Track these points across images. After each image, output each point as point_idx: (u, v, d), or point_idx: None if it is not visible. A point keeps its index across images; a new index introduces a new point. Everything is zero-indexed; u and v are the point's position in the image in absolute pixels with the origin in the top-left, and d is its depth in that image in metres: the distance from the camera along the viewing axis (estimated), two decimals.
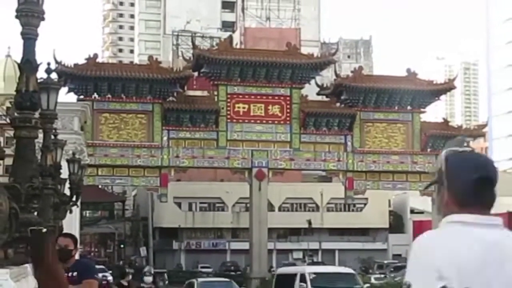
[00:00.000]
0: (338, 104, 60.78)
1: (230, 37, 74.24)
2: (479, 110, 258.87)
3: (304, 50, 66.40)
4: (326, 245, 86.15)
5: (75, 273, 7.97)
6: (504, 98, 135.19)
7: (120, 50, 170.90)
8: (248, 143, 58.77)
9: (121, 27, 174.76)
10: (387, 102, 60.61)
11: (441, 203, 3.86)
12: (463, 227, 3.52)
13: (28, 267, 5.83)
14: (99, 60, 61.31)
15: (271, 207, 68.79)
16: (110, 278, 44.65)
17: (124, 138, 56.50)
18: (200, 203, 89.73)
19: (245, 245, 66.14)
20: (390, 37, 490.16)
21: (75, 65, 55.21)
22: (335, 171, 62.27)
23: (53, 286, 7.87)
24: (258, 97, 59.46)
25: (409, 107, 61.34)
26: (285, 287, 30.98)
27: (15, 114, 11.13)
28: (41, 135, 15.13)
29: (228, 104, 58.83)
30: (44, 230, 10.44)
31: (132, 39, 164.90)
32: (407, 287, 3.40)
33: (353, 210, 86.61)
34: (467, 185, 3.60)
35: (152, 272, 28.18)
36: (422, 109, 62.33)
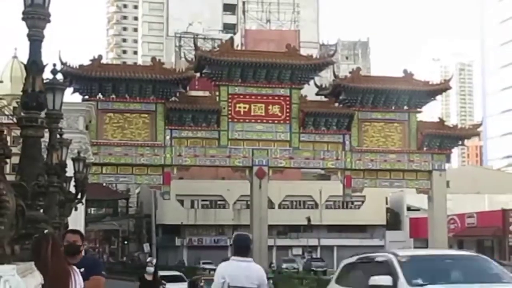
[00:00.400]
0: (336, 104, 60.78)
1: (231, 39, 74.29)
2: (474, 109, 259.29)
3: (303, 52, 66.40)
4: (324, 242, 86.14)
5: (82, 269, 7.92)
6: (499, 98, 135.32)
7: (124, 52, 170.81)
8: (248, 142, 58.80)
9: (125, 29, 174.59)
10: (384, 102, 60.63)
11: None
12: (233, 261, 10.60)
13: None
14: (104, 61, 61.33)
15: (271, 205, 68.77)
16: None
17: (128, 137, 56.53)
18: (202, 200, 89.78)
19: None
20: (387, 38, 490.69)
21: (80, 66, 55.25)
22: (334, 170, 62.30)
23: (51, 280, 7.89)
24: (259, 97, 59.48)
25: (405, 107, 61.35)
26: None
27: (22, 114, 11.12)
28: (47, 135, 15.13)
29: (229, 104, 58.85)
30: (46, 231, 10.44)
31: (135, 41, 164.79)
32: None
33: (351, 208, 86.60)
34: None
35: (154, 262, 27.98)
36: (418, 109, 62.35)
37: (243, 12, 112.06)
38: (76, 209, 27.11)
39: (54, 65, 17.10)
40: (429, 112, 79.52)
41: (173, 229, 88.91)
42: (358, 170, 60.43)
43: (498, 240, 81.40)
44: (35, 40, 10.22)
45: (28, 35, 10.19)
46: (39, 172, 11.09)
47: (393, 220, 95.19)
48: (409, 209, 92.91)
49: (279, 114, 59.61)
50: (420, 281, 11.69)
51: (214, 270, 42.99)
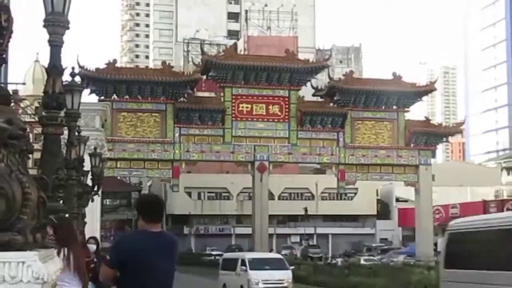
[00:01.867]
0: (331, 104, 60.74)
1: (235, 45, 74.28)
2: (457, 109, 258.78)
3: (301, 56, 66.31)
4: (320, 230, 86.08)
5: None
6: (480, 99, 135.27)
7: (137, 56, 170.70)
8: (251, 139, 58.77)
9: (137, 35, 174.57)
10: (375, 102, 60.57)
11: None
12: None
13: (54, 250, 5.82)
14: (118, 65, 61.27)
15: (271, 196, 68.65)
16: None
17: (140, 134, 56.50)
18: (208, 192, 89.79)
19: (248, 230, 66.14)
20: (378, 44, 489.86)
21: (97, 69, 55.21)
22: (329, 164, 62.30)
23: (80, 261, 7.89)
24: (260, 97, 59.43)
25: (394, 107, 61.29)
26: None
27: (43, 113, 11.12)
28: (66, 132, 15.13)
29: (233, 104, 58.82)
30: (67, 215, 10.45)
31: (147, 46, 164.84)
32: None
33: (344, 199, 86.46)
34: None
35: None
36: (406, 109, 62.31)
37: (246, 20, 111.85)
38: (92, 200, 27.16)
39: (73, 68, 17.08)
40: (416, 112, 79.53)
41: (181, 218, 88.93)
42: (351, 165, 60.38)
43: None
44: (55, 46, 10.22)
45: (49, 41, 10.19)
46: (59, 166, 11.10)
47: (383, 210, 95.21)
48: (397, 200, 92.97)
49: (279, 113, 59.57)
50: None
51: (220, 255, 43.60)
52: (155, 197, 7.78)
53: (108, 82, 55.66)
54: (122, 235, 7.97)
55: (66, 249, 7.61)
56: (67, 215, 9.49)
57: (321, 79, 68.58)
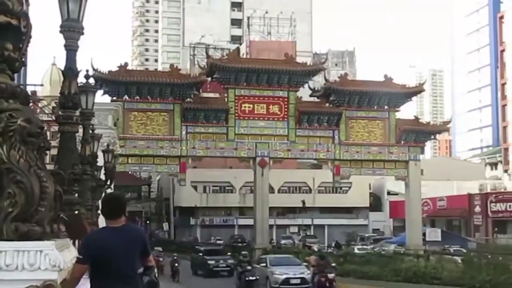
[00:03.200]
0: (327, 104, 60.64)
1: (238, 49, 74.17)
2: (444, 109, 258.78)
3: (299, 60, 66.14)
4: (317, 221, 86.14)
5: None
6: (465, 99, 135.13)
7: (147, 60, 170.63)
8: (252, 136, 58.70)
9: (147, 40, 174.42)
10: (368, 103, 60.48)
11: None
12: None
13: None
14: (129, 68, 61.11)
15: (271, 190, 68.59)
16: None
17: (149, 132, 56.44)
18: (213, 186, 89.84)
19: (250, 221, 66.11)
20: (370, 48, 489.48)
21: (109, 72, 55.13)
22: (325, 160, 62.23)
23: None
24: (261, 98, 59.34)
25: (386, 107, 61.20)
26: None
27: (60, 112, 11.14)
28: (81, 130, 15.13)
29: (236, 104, 58.74)
30: (76, 212, 10.46)
31: (156, 50, 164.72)
32: None
33: (339, 192, 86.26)
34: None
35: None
36: (397, 108, 62.16)
37: (248, 26, 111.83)
38: (105, 193, 27.12)
39: (87, 71, 17.10)
40: (406, 111, 79.47)
41: (188, 210, 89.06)
42: (345, 160, 60.30)
43: (465, 220, 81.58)
44: (71, 50, 10.24)
45: (65, 46, 10.21)
46: (74, 162, 11.10)
47: (376, 203, 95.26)
48: (389, 193, 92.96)
49: (278, 113, 59.50)
50: None
51: (223, 244, 44.30)
52: (112, 196, 7.86)
53: (120, 83, 55.62)
54: (89, 233, 7.87)
55: (77, 241, 7.64)
56: (76, 212, 9.49)
57: (317, 81, 68.55)
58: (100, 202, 7.64)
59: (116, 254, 6.88)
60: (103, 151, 27.57)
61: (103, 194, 23.16)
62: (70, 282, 6.35)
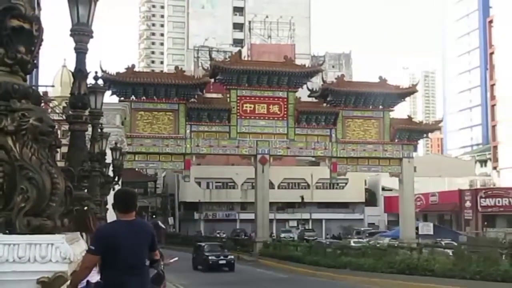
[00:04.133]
0: (324, 104, 60.66)
1: (240, 51, 73.97)
2: (436, 109, 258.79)
3: (298, 62, 66.19)
4: (315, 216, 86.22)
5: None
6: (456, 99, 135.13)
7: (153, 62, 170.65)
8: (253, 135, 58.73)
9: (153, 43, 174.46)
10: (363, 103, 60.49)
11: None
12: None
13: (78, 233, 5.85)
14: (136, 69, 61.09)
15: (271, 186, 68.65)
16: None
17: (155, 131, 56.47)
18: (216, 182, 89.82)
19: (251, 216, 66.11)
20: (366, 51, 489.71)
21: (117, 73, 55.16)
22: (322, 157, 62.22)
23: None
24: (262, 98, 59.35)
25: (380, 107, 61.20)
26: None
27: (70, 112, 11.15)
28: (90, 129, 15.14)
29: (238, 104, 58.77)
30: (85, 207, 10.46)
31: (162, 53, 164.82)
32: None
33: (336, 188, 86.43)
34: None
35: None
36: (391, 108, 62.17)
37: (249, 29, 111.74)
38: (113, 189, 27.10)
39: (96, 72, 17.13)
40: (400, 111, 79.21)
41: (192, 205, 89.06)
42: (342, 158, 60.32)
43: (456, 214, 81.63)
44: (81, 53, 10.25)
45: (75, 48, 10.22)
46: (84, 159, 11.11)
47: (371, 198, 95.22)
48: (383, 189, 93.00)
49: (278, 112, 59.51)
50: None
51: (227, 238, 44.73)
52: (127, 191, 7.91)
53: (127, 84, 55.64)
54: (101, 226, 7.95)
55: (84, 235, 7.66)
56: (85, 208, 9.50)
57: (315, 82, 68.51)
58: (113, 197, 7.65)
59: (127, 246, 6.96)
60: (111, 149, 27.58)
61: (112, 190, 23.19)
62: (81, 272, 6.37)
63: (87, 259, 6.63)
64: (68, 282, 3.70)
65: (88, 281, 6.88)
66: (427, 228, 55.14)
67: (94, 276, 7.26)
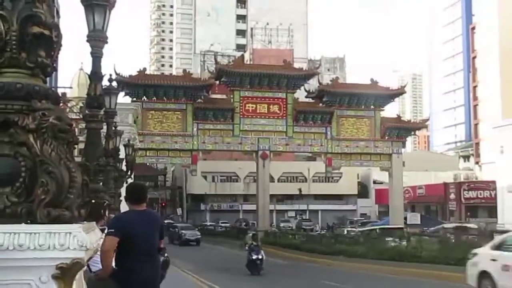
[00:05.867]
0: (320, 104, 60.64)
1: (242, 56, 74.13)
2: (423, 108, 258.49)
3: (296, 65, 66.20)
4: (312, 207, 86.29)
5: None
6: (441, 100, 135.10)
7: (162, 65, 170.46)
8: (255, 132, 58.75)
9: (163, 48, 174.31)
10: (356, 103, 60.47)
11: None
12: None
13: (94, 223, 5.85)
14: (147, 72, 61.20)
15: (272, 179, 68.64)
16: None
17: (165, 129, 56.50)
18: (220, 176, 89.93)
19: (253, 207, 66.21)
20: (359, 55, 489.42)
21: (130, 76, 55.21)
22: (318, 153, 62.31)
23: None
24: (262, 99, 59.34)
25: (372, 106, 61.19)
26: None
27: (86, 111, 11.15)
28: (105, 127, 15.15)
29: (241, 104, 58.76)
30: (103, 201, 10.49)
31: (171, 57, 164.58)
32: None
33: (331, 181, 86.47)
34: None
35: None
36: (381, 108, 62.16)
37: (251, 35, 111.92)
38: (126, 183, 27.16)
39: (110, 75, 17.16)
40: (390, 110, 79.37)
41: (199, 197, 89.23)
42: (336, 153, 60.31)
43: (441, 205, 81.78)
44: (96, 57, 10.26)
45: (91, 53, 10.23)
46: (99, 155, 11.12)
47: (363, 191, 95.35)
48: (374, 182, 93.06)
49: (278, 112, 59.50)
50: None
51: (230, 227, 44.50)
52: (138, 184, 8.08)
53: (139, 86, 55.69)
54: (118, 214, 8.12)
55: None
56: (93, 201, 9.54)
57: (312, 84, 68.44)
58: (125, 190, 7.75)
59: (141, 233, 7.06)
60: (124, 145, 27.62)
61: (125, 183, 23.22)
62: (105, 256, 6.78)
63: (108, 241, 6.78)
64: (85, 267, 3.73)
65: (88, 265, 6.91)
66: (414, 218, 55.17)
67: (98, 265, 7.28)
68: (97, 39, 10.05)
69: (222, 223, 77.34)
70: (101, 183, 11.69)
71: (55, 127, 3.44)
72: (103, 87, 12.87)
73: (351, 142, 60.41)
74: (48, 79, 3.82)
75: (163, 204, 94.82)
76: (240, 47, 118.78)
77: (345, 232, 50.31)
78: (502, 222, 58.07)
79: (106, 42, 10.22)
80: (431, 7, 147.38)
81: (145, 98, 56.44)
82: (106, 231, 7.16)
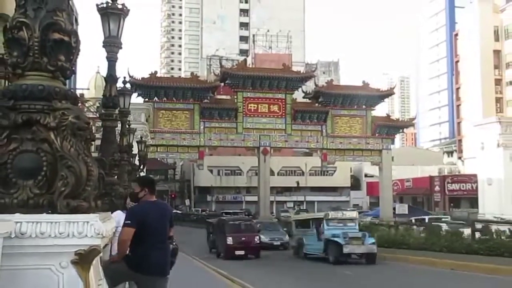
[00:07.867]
0: (316, 104, 60.65)
1: (245, 60, 73.96)
2: (410, 108, 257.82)
3: (294, 68, 66.08)
4: (309, 198, 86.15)
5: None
6: (427, 100, 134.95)
7: (172, 68, 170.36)
8: (257, 130, 58.74)
9: (172, 53, 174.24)
10: (349, 103, 60.45)
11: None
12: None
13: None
14: (158, 75, 61.18)
15: (272, 173, 68.70)
16: None
17: (174, 127, 56.55)
18: (225, 170, 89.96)
19: (255, 198, 66.24)
20: (351, 59, 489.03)
21: (142, 78, 55.25)
22: (315, 149, 62.33)
23: None
24: (264, 99, 59.34)
25: (364, 106, 61.17)
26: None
27: (102, 111, 11.15)
28: (119, 125, 15.15)
29: (244, 104, 58.76)
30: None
31: (180, 61, 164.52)
32: None
33: (326, 175, 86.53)
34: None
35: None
36: (372, 108, 62.13)
37: (253, 41, 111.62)
38: (139, 176, 27.19)
39: (124, 78, 17.15)
40: (380, 110, 79.37)
41: (205, 189, 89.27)
42: (331, 149, 60.33)
43: (427, 197, 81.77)
44: (111, 61, 10.26)
45: (107, 58, 10.23)
46: (114, 150, 11.12)
47: (355, 183, 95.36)
48: (366, 175, 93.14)
49: (278, 111, 59.50)
50: None
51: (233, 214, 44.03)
52: (152, 177, 8.24)
53: (150, 88, 55.71)
54: (135, 205, 8.14)
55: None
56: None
57: (309, 86, 68.39)
58: (144, 182, 7.79)
59: (154, 222, 7.08)
60: (137, 142, 27.64)
61: (144, 177, 23.21)
62: (122, 244, 6.91)
63: (125, 231, 6.84)
64: (102, 253, 3.74)
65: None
66: (402, 208, 55.23)
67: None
68: (112, 45, 10.05)
69: (225, 213, 77.37)
70: (115, 177, 11.68)
71: (74, 125, 3.45)
72: (118, 89, 12.87)
73: (344, 139, 60.40)
74: (67, 81, 3.82)
75: (173, 196, 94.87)
76: (243, 52, 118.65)
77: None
78: (482, 212, 58.07)
79: (121, 48, 10.21)
80: (417, 15, 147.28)
81: (156, 99, 56.47)
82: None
